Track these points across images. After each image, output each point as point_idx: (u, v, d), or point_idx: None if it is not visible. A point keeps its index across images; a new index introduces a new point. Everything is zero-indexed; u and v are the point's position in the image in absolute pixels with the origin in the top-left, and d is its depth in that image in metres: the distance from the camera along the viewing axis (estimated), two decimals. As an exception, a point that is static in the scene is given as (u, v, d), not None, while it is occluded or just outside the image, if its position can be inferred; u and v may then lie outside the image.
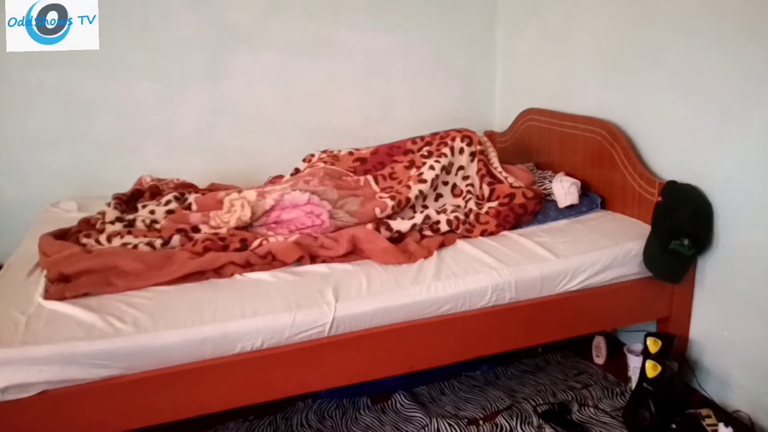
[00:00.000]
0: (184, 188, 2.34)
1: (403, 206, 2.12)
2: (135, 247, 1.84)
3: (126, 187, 2.35)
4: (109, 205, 2.13)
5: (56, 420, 1.43)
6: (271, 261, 1.81)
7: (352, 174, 2.34)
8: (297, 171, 2.41)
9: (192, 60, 2.61)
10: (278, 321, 1.57)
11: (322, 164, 2.35)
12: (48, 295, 1.58)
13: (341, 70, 2.85)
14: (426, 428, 1.93)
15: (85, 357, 1.40)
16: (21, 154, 2.47)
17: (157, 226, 2.01)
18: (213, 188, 2.41)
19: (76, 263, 1.68)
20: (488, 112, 3.16)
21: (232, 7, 2.61)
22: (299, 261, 1.82)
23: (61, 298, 1.57)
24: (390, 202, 2.09)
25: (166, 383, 1.50)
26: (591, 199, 2.30)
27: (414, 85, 3.00)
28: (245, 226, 2.01)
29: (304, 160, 2.43)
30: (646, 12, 2.11)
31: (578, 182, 2.29)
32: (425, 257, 1.87)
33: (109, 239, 1.88)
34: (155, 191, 2.31)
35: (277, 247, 1.83)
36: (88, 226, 2.01)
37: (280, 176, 2.53)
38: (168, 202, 2.15)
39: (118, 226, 1.98)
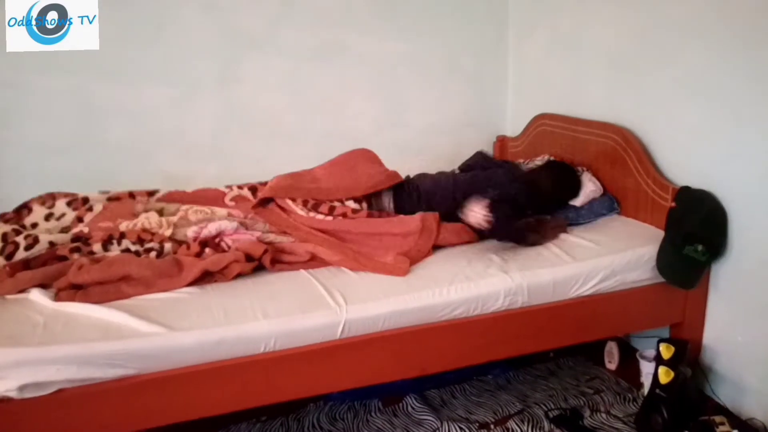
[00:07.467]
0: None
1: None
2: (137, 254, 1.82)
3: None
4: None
5: (72, 418, 1.45)
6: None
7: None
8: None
9: (204, 65, 2.63)
10: (291, 323, 1.58)
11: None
12: (58, 298, 1.59)
13: (352, 75, 2.86)
14: (437, 432, 1.94)
15: (101, 357, 1.42)
16: (36, 159, 2.48)
17: (51, 238, 1.84)
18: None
19: (85, 274, 1.63)
20: (500, 117, 3.16)
21: (243, 13, 2.63)
22: (261, 258, 1.79)
23: (71, 301, 1.58)
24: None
25: (180, 383, 1.52)
26: (611, 199, 2.31)
27: (425, 90, 3.00)
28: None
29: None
30: (657, 16, 2.11)
31: (601, 189, 2.33)
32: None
33: (104, 247, 1.82)
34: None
35: (243, 245, 1.83)
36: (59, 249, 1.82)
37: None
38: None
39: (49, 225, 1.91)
